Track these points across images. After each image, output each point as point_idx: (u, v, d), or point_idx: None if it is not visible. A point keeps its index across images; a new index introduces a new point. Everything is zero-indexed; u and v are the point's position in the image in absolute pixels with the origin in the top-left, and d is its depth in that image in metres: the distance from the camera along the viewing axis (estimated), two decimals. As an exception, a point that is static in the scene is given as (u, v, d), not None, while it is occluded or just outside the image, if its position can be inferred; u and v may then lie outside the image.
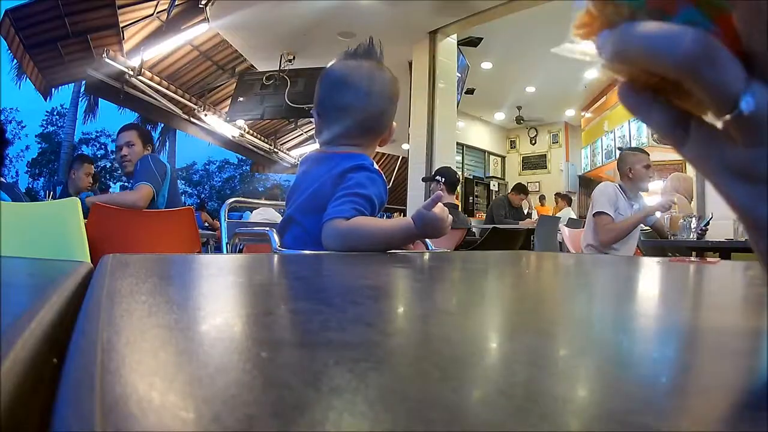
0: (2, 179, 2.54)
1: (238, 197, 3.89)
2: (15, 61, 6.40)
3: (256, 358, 0.16)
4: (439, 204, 0.81)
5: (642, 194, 2.41)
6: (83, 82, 6.41)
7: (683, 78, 0.17)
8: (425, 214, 0.80)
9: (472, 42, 5.32)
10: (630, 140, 6.56)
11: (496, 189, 8.05)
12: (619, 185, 2.39)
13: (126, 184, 2.58)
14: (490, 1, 4.19)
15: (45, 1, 4.66)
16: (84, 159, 3.08)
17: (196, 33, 5.33)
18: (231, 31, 5.26)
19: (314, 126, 1.00)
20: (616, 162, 2.53)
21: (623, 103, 0.21)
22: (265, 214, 3.26)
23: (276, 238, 0.90)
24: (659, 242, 2.35)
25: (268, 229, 0.93)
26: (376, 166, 0.93)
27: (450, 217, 0.83)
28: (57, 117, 24.95)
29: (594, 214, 2.31)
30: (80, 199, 1.25)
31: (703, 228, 2.28)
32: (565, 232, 2.79)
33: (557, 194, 7.05)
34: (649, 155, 2.43)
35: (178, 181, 2.47)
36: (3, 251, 0.80)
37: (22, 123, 25.93)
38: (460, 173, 7.06)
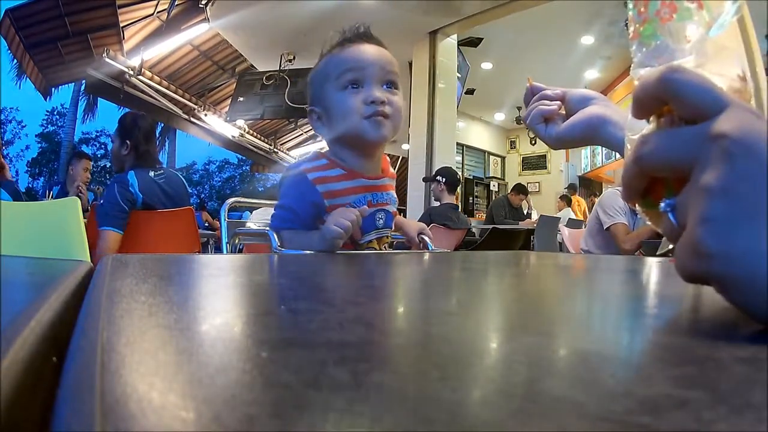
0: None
1: (238, 197, 3.88)
2: (15, 60, 6.40)
3: (256, 358, 0.16)
4: (345, 211, 0.77)
5: None
6: (83, 82, 6.42)
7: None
8: (325, 228, 0.77)
9: (472, 42, 5.33)
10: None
11: (496, 189, 8.04)
12: None
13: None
14: (490, 1, 4.19)
15: (45, 1, 4.66)
16: (82, 155, 3.08)
17: (196, 33, 5.35)
18: (231, 31, 5.27)
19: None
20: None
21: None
22: (265, 214, 3.25)
23: (276, 238, 0.90)
24: (659, 242, 2.34)
25: (268, 229, 0.92)
26: (305, 164, 0.89)
27: (354, 219, 0.77)
28: (57, 117, 24.98)
29: (610, 227, 2.21)
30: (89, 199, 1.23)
31: None
32: (564, 233, 2.79)
33: (568, 188, 7.04)
34: None
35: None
36: (3, 251, 0.80)
37: (22, 123, 26.01)
38: (460, 173, 7.05)
